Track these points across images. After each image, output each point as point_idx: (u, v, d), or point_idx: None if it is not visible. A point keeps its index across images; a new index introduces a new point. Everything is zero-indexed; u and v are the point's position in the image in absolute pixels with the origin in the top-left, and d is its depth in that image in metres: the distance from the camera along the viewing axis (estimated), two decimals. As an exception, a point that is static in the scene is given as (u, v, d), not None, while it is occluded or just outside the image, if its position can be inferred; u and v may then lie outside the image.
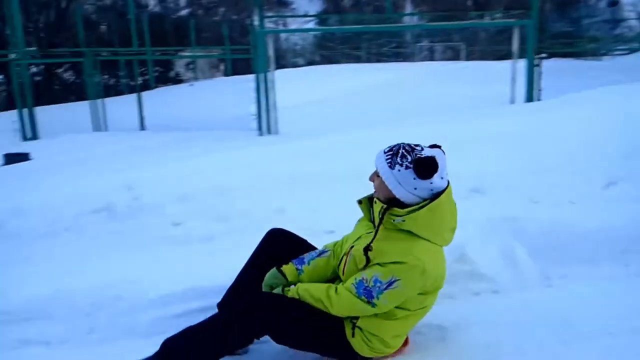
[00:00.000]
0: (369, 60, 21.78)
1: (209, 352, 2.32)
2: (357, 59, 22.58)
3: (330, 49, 24.20)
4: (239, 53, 13.28)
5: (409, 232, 2.25)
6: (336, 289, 2.34)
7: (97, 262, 3.95)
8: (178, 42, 15.22)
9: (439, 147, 2.31)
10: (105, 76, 13.28)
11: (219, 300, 2.91)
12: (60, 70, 18.66)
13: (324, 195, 4.66)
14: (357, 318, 2.34)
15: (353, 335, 2.34)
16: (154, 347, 2.56)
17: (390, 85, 12.32)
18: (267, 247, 2.72)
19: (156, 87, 14.02)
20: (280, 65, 13.49)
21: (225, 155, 5.79)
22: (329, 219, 4.27)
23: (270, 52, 7.97)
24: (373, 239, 2.31)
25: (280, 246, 2.70)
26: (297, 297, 2.37)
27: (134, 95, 9.92)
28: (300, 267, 2.57)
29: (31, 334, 3.28)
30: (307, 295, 2.35)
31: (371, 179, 2.37)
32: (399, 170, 2.22)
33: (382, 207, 2.30)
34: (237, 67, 15.78)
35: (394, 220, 2.27)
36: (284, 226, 2.92)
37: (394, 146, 2.29)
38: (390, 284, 2.20)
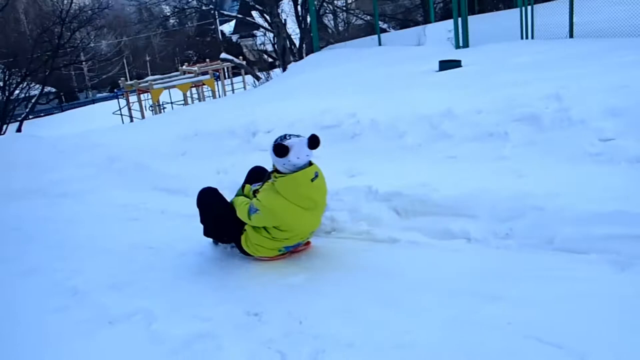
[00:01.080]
0: None
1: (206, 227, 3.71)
2: None
3: None
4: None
5: (276, 190, 3.21)
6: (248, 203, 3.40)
7: (517, 171, 3.89)
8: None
9: (314, 136, 3.16)
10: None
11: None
12: (491, -20, 18.63)
13: None
14: (245, 225, 3.44)
15: (241, 234, 3.47)
16: (568, 261, 2.45)
17: None
18: (250, 175, 3.83)
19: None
20: None
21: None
22: None
23: None
24: (260, 187, 3.46)
25: (257, 175, 3.75)
26: (231, 202, 3.58)
27: (564, 1, 9.15)
28: (253, 189, 3.64)
29: (455, 228, 3.50)
30: (236, 202, 3.52)
31: None
32: (273, 151, 3.18)
33: (272, 170, 3.35)
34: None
35: (270, 179, 3.31)
36: None
37: (280, 135, 3.29)
38: (255, 210, 3.27)
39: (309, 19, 14.00)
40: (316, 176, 3.20)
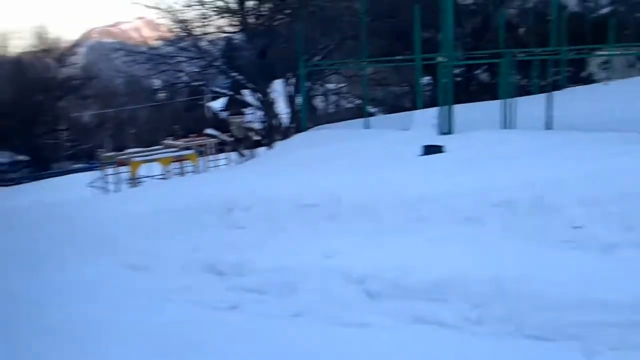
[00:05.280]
0: None
1: None
2: None
3: None
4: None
5: None
6: None
7: (490, 254, 3.97)
8: (595, 41, 14.08)
9: None
10: (518, 77, 13.25)
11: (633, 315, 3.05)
12: (478, 72, 19.51)
13: None
14: None
15: None
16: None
17: None
18: None
19: (567, 87, 13.28)
20: None
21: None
22: None
23: None
24: None
25: None
26: None
27: (543, 95, 9.65)
28: None
29: (427, 314, 3.53)
30: None
31: None
32: None
33: None
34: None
35: None
36: None
37: None
38: None
39: (297, 100, 14.49)
40: None
